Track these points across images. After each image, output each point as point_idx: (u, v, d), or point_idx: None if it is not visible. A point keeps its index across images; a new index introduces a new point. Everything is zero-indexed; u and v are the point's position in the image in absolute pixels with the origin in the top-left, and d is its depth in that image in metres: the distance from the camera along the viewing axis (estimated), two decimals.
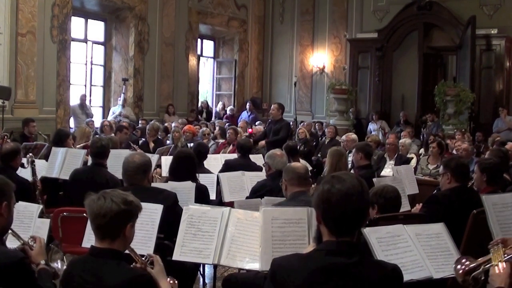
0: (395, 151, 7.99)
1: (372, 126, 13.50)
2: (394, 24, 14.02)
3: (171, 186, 4.43)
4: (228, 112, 15.00)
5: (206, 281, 4.99)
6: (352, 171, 5.98)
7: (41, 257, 2.73)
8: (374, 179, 5.28)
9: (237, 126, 10.98)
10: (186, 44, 14.07)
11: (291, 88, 15.63)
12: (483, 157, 6.51)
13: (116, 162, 5.27)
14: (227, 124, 11.69)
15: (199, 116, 14.35)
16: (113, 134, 8.43)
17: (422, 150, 9.72)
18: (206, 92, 16.71)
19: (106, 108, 12.96)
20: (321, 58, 15.49)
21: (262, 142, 8.56)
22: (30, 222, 3.66)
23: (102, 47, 12.99)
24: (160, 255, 2.70)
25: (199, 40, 15.06)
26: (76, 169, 5.46)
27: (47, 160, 6.16)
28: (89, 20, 12.63)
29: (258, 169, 6.21)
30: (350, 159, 6.59)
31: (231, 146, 8.66)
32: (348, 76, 14.88)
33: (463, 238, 3.55)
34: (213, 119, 14.44)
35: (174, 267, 3.05)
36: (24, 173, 5.36)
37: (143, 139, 9.27)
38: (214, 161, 6.75)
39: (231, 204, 4.40)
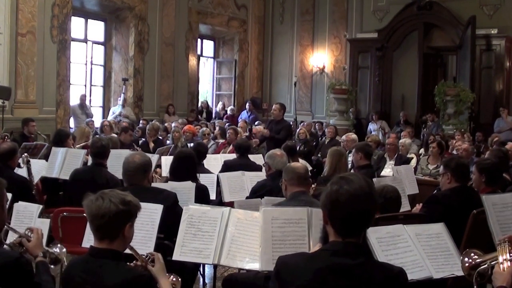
0: (395, 151, 7.98)
1: (372, 126, 13.49)
2: (394, 24, 14.01)
3: (171, 186, 4.43)
4: (228, 112, 14.98)
5: (206, 281, 4.99)
6: (352, 171, 5.98)
7: (39, 249, 2.70)
8: (374, 179, 5.26)
9: (237, 126, 10.97)
10: (186, 44, 14.07)
11: (291, 88, 15.62)
12: (483, 157, 6.51)
13: (116, 162, 5.27)
14: (227, 124, 11.67)
15: (199, 116, 14.34)
16: (114, 134, 8.43)
17: (422, 150, 9.71)
18: (206, 92, 16.70)
19: (106, 108, 12.96)
20: (321, 58, 15.48)
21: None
22: (30, 222, 3.68)
23: (102, 47, 13.00)
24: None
25: (199, 40, 15.06)
26: (76, 169, 5.46)
27: (47, 160, 6.16)
28: (89, 20, 12.63)
29: (257, 168, 6.21)
30: (350, 159, 6.59)
31: (231, 146, 8.65)
32: (348, 76, 14.87)
33: (463, 238, 3.55)
34: (213, 119, 14.44)
35: (174, 267, 3.04)
36: (20, 172, 5.36)
37: (143, 139, 9.27)
38: (214, 161, 6.74)
39: (231, 204, 4.40)
